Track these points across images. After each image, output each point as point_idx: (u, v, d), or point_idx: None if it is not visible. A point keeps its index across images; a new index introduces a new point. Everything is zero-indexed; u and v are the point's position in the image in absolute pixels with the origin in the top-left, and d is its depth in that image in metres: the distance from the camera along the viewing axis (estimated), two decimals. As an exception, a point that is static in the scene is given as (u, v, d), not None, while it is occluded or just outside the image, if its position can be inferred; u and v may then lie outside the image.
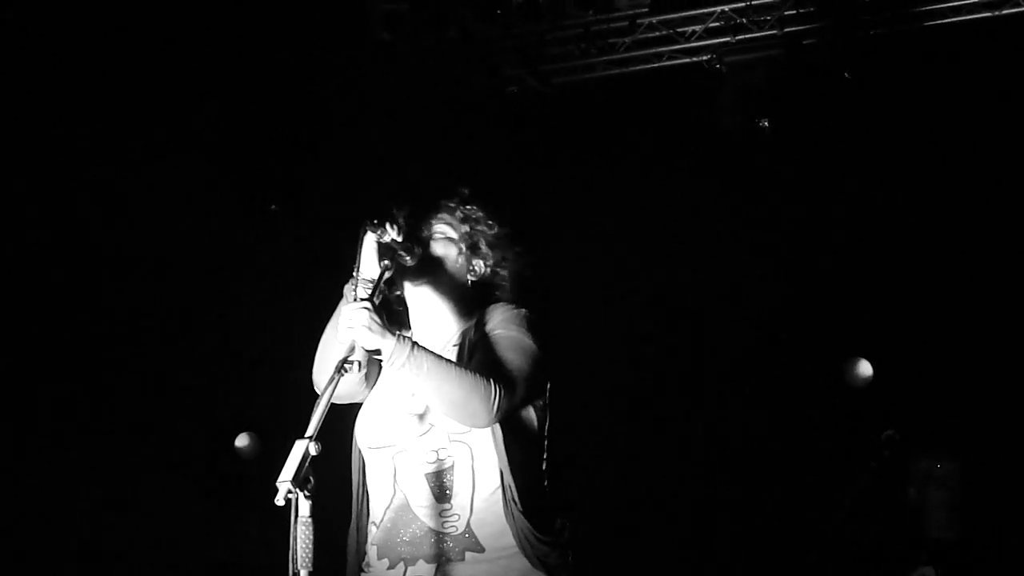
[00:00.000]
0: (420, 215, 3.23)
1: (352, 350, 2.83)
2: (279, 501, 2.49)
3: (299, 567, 2.50)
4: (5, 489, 6.55)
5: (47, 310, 6.84)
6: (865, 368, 7.27)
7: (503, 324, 3.11)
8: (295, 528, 2.50)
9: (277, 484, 2.49)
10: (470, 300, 3.27)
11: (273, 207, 7.41)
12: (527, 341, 3.08)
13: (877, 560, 5.00)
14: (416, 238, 3.16)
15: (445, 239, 3.24)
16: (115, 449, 7.02)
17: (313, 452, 2.53)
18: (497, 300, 3.27)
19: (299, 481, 2.49)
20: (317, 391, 3.16)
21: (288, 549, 2.50)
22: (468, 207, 3.30)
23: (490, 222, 3.30)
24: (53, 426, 6.81)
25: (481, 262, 3.27)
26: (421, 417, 3.07)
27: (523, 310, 3.17)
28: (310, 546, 2.51)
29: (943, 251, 6.95)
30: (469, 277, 3.27)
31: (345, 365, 2.78)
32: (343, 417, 3.21)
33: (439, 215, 3.27)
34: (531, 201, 7.19)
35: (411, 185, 3.34)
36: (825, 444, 6.92)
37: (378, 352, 2.88)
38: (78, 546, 6.78)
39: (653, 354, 7.30)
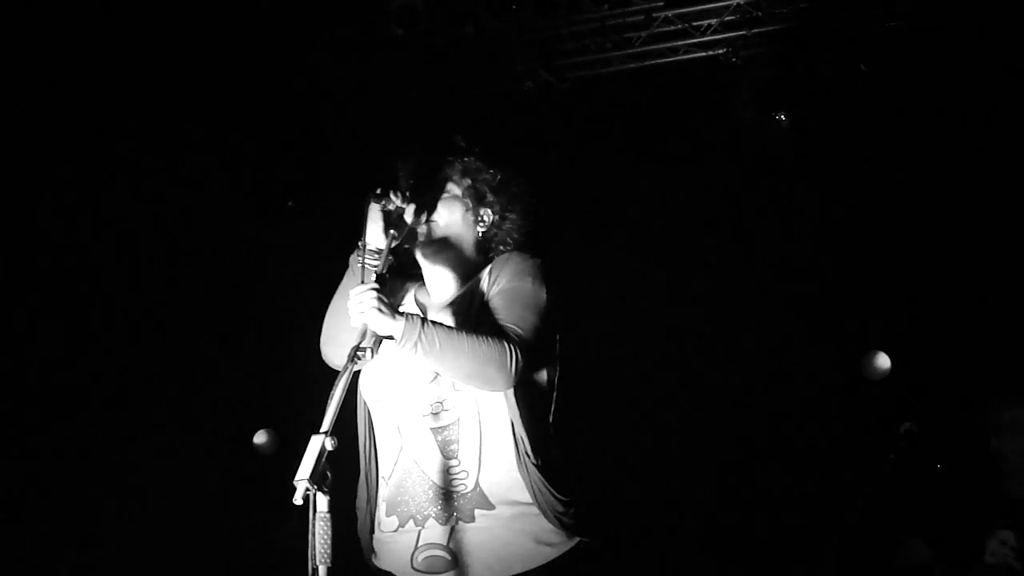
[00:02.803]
0: (424, 178, 3.22)
1: (364, 335, 2.81)
2: (297, 500, 2.49)
3: (318, 562, 2.50)
4: (21, 486, 6.59)
5: (65, 306, 6.87)
6: (883, 361, 7.24)
7: (518, 276, 3.09)
8: (313, 524, 2.50)
9: (295, 482, 2.49)
10: (481, 252, 3.27)
11: (289, 203, 7.43)
12: (540, 296, 3.06)
13: (954, 524, 4.87)
14: (422, 202, 3.15)
15: (450, 196, 3.25)
16: (133, 448, 7.06)
17: (329, 447, 2.54)
18: (508, 245, 3.26)
19: (316, 478, 2.49)
20: (326, 361, 3.18)
21: (307, 545, 2.51)
22: (466, 159, 3.31)
23: (491, 170, 3.31)
24: (70, 425, 6.84)
25: (488, 210, 3.28)
26: (423, 369, 3.03)
27: (537, 260, 3.15)
28: (328, 541, 2.51)
29: (962, 243, 6.91)
30: (479, 228, 3.27)
31: (358, 353, 2.77)
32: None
33: (441, 173, 3.27)
34: (547, 196, 7.18)
35: (412, 151, 3.31)
36: (843, 437, 6.91)
37: (391, 337, 2.85)
38: (95, 544, 6.81)
39: (670, 347, 7.29)
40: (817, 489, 6.75)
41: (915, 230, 7.05)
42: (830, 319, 7.20)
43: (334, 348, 3.10)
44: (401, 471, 3.09)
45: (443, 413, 3.03)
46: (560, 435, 3.15)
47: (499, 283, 3.09)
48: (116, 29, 6.53)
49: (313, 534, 2.50)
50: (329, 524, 2.51)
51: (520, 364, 2.90)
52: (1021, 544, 4.58)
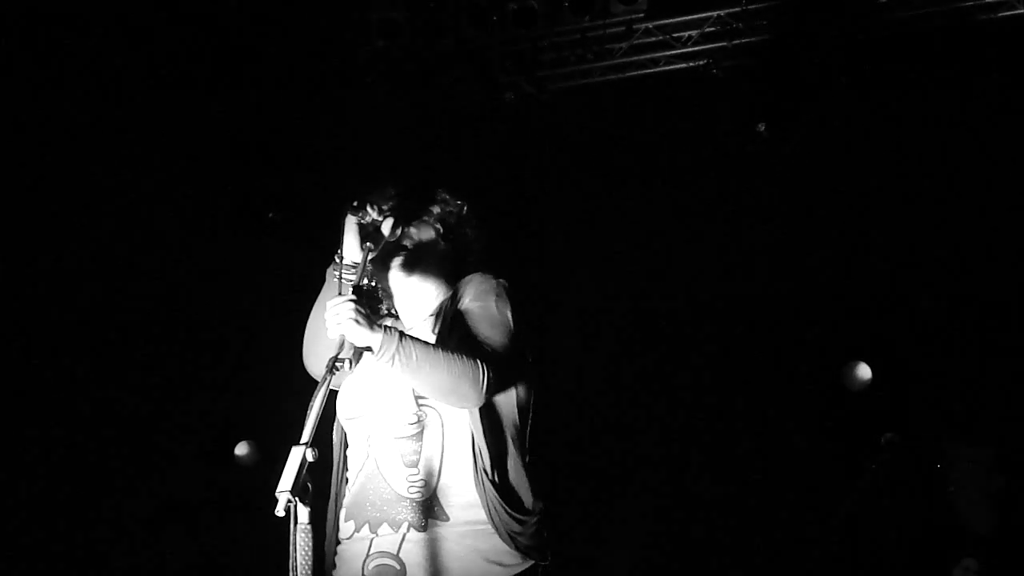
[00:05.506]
0: (399, 195, 3.25)
1: (342, 347, 2.82)
2: (279, 512, 2.47)
3: (299, 574, 2.49)
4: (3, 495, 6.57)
5: (40, 317, 6.85)
6: (864, 371, 7.26)
7: (481, 296, 3.14)
8: (294, 535, 2.49)
9: (276, 494, 2.47)
10: (448, 274, 3.31)
11: (271, 215, 7.41)
12: (506, 315, 3.12)
13: (919, 555, 5.00)
14: (398, 219, 3.18)
15: (421, 221, 3.30)
16: (113, 459, 7.02)
17: (310, 458, 2.52)
18: (473, 271, 3.30)
19: (298, 489, 2.48)
20: (309, 372, 3.20)
21: (288, 557, 2.50)
22: (436, 189, 3.38)
23: (458, 201, 3.37)
24: (52, 434, 6.82)
25: (454, 238, 3.33)
26: (393, 383, 3.07)
27: (501, 280, 3.20)
28: (310, 553, 2.50)
29: (941, 252, 6.94)
30: (446, 253, 3.32)
31: (336, 364, 2.77)
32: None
33: (415, 194, 3.32)
34: (528, 207, 7.20)
35: (395, 171, 3.37)
36: (825, 448, 6.92)
37: (369, 348, 2.87)
38: (76, 556, 6.77)
39: (651, 358, 7.30)
40: (798, 500, 6.76)
41: (897, 241, 7.08)
42: (811, 330, 7.21)
43: (315, 359, 3.14)
44: (364, 477, 3.11)
45: (410, 424, 3.05)
46: (533, 456, 3.16)
47: (462, 302, 3.14)
48: (103, 38, 6.54)
49: (294, 546, 2.49)
50: (310, 535, 2.50)
51: (491, 381, 2.94)
52: (982, 569, 4.80)
